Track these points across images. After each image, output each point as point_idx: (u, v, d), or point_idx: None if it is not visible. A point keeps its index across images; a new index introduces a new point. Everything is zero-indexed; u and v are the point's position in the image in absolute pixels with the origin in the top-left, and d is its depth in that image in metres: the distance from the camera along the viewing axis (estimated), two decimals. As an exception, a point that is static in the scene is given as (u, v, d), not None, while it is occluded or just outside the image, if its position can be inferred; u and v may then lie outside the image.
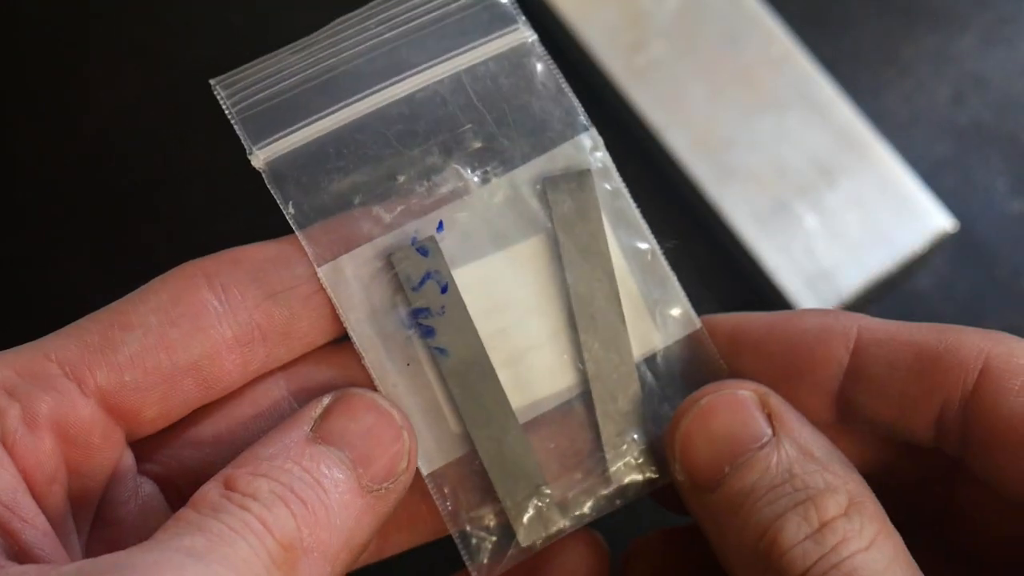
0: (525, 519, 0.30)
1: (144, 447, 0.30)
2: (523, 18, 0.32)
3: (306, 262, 0.30)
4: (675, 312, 0.32)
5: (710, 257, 0.53)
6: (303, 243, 0.31)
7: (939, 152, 0.55)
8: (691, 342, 0.32)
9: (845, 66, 0.56)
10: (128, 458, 0.30)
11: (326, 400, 0.28)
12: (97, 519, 0.29)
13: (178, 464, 0.30)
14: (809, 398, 0.30)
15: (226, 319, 0.29)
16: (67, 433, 0.28)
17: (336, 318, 0.31)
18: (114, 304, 0.29)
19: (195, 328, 0.29)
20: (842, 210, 0.52)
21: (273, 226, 0.32)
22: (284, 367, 0.31)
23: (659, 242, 0.33)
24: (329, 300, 0.30)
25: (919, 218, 0.52)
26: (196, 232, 0.54)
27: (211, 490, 0.26)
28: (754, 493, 0.27)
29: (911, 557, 0.27)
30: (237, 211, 0.54)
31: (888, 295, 0.53)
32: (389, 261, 0.31)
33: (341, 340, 0.31)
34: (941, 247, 0.53)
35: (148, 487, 0.30)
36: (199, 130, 0.56)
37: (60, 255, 0.53)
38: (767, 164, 0.53)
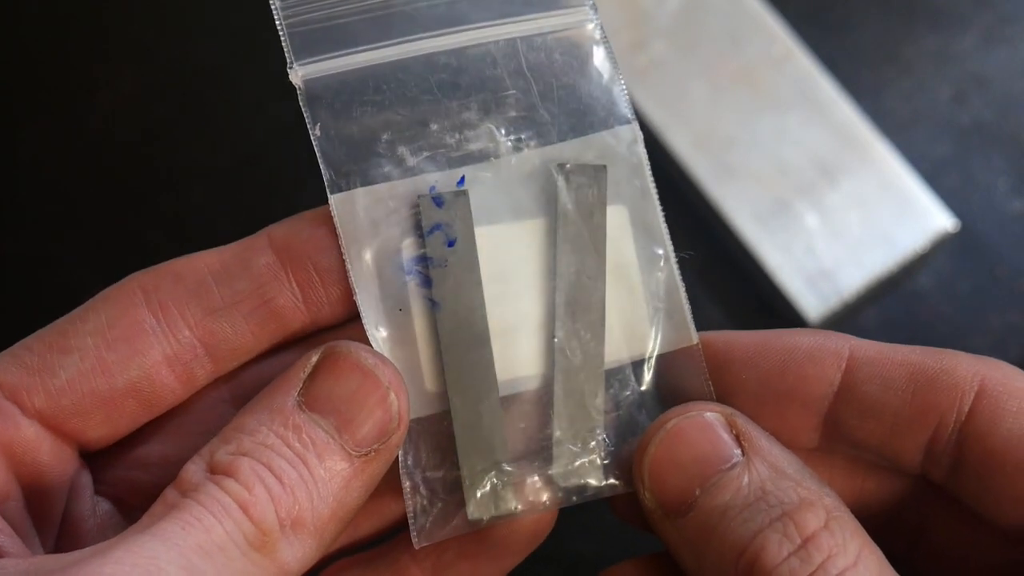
0: (478, 493, 0.29)
1: (96, 468, 0.30)
2: (592, 0, 0.32)
3: (249, 275, 0.29)
4: (674, 323, 0.31)
5: (711, 256, 0.53)
6: (322, 168, 0.30)
7: (940, 152, 0.55)
8: (683, 356, 0.31)
9: (846, 65, 0.56)
10: (84, 476, 0.30)
11: (314, 358, 0.28)
12: (61, 537, 0.29)
13: (129, 486, 0.30)
14: (797, 418, 0.29)
15: (164, 339, 0.28)
16: (13, 453, 0.28)
17: (280, 329, 0.30)
18: (56, 323, 0.29)
19: (132, 351, 0.28)
20: (843, 209, 0.52)
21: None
22: (227, 376, 0.30)
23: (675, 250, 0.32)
24: (274, 314, 0.29)
25: (920, 217, 0.52)
26: (196, 232, 0.54)
27: (195, 469, 0.26)
28: (728, 513, 0.27)
29: (894, 570, 0.26)
30: (237, 211, 0.54)
31: (889, 294, 0.53)
32: (402, 205, 0.30)
33: (288, 346, 0.31)
34: (942, 246, 0.53)
35: (105, 505, 0.30)
36: (199, 130, 0.56)
37: (60, 255, 0.53)
38: (768, 163, 0.53)
